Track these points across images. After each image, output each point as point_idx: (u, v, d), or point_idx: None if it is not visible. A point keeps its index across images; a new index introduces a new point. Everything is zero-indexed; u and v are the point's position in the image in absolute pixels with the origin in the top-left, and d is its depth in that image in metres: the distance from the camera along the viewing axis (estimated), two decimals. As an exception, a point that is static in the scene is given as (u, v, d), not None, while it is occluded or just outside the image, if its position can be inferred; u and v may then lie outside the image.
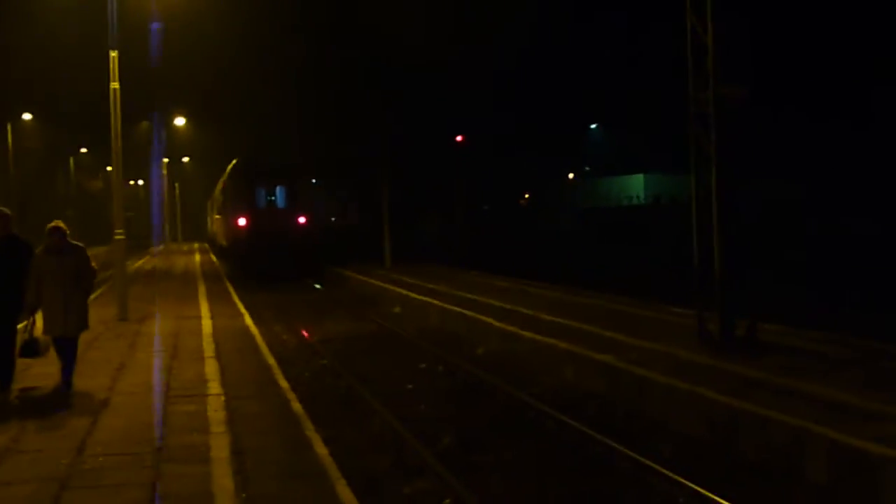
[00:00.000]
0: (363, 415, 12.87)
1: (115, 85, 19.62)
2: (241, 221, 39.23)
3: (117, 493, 7.44)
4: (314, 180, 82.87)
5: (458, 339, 19.59)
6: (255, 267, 37.30)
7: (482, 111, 66.20)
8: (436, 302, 23.38)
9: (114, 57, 19.50)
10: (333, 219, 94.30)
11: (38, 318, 11.73)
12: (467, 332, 19.74)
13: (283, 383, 12.37)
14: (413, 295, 25.90)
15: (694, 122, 13.65)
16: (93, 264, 11.86)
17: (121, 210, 20.28)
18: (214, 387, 11.96)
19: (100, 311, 22.43)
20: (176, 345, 16.09)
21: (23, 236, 12.07)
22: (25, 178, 67.27)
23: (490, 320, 18.98)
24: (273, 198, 39.94)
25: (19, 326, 11.73)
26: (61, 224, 11.82)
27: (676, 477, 9.23)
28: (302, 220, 39.45)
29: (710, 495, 8.70)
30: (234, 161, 42.88)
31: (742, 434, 10.10)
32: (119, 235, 20.00)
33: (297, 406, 10.83)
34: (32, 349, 11.71)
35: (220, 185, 48.57)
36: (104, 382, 12.43)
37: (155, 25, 24.58)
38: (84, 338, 17.28)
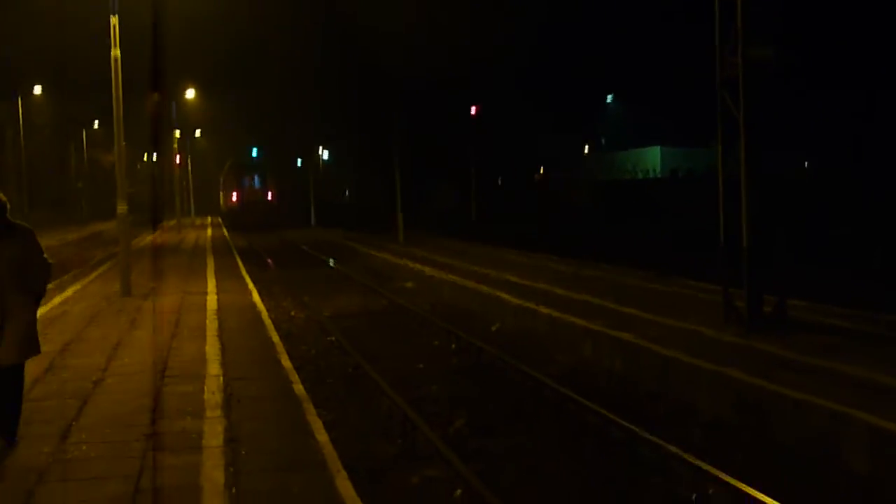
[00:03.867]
0: (370, 396, 12.24)
1: (116, 52, 18.94)
2: (234, 196, 69.40)
3: (97, 487, 6.83)
4: (327, 154, 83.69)
5: (472, 315, 18.96)
6: (242, 221, 62.74)
7: (497, 82, 65.43)
8: (449, 277, 22.76)
9: (114, 23, 18.82)
10: (347, 193, 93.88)
11: None
12: (481, 308, 19.11)
13: (287, 363, 11.75)
14: (426, 270, 25.29)
15: (721, 88, 12.90)
16: (46, 256, 8.06)
17: (124, 183, 19.65)
18: (214, 367, 11.34)
19: (103, 286, 22.01)
20: (178, 321, 15.51)
21: None
22: (37, 153, 66.85)
23: (505, 296, 18.35)
24: (252, 183, 69.29)
25: None
26: None
27: (703, 464, 8.54)
28: (268, 195, 69.13)
29: (740, 485, 8.01)
30: (229, 161, 73.09)
31: (774, 418, 9.43)
32: (122, 208, 19.39)
33: (299, 388, 10.20)
34: None
35: (222, 174, 75.69)
36: (99, 362, 11.83)
37: None
38: (83, 314, 16.97)
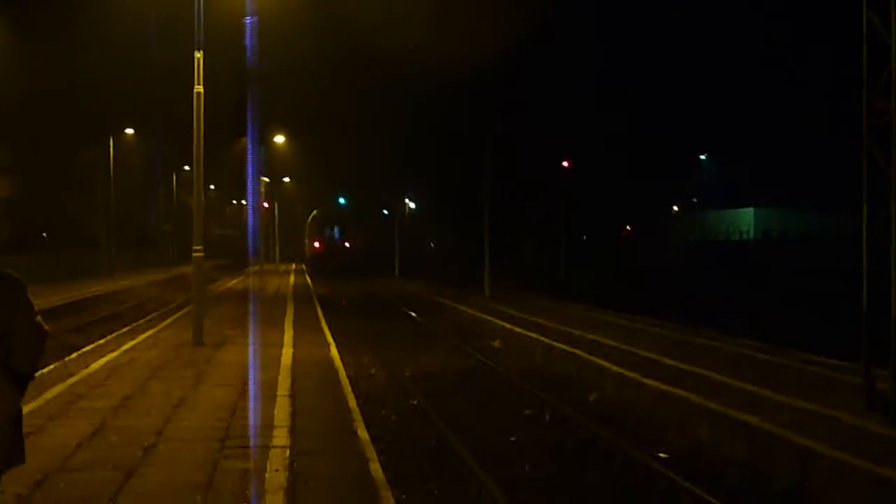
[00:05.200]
0: (456, 475, 10.73)
1: (199, 88, 18.01)
2: (316, 244, 70.81)
3: None
4: (413, 204, 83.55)
5: (567, 381, 17.38)
6: (324, 268, 63.85)
7: (588, 136, 64.04)
8: (540, 337, 21.24)
9: (198, 58, 17.91)
10: (433, 244, 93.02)
11: None
12: (576, 375, 17.53)
13: (363, 433, 10.34)
14: (515, 328, 23.80)
15: (869, 138, 11.29)
16: (39, 320, 5.38)
17: (200, 225, 18.60)
18: (281, 436, 9.99)
19: (176, 333, 21.01)
20: (248, 377, 14.23)
21: None
22: (127, 194, 67.03)
23: (602, 362, 16.79)
24: (333, 233, 70.69)
25: None
26: None
27: None
28: (347, 244, 70.35)
29: None
30: (314, 211, 74.50)
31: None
32: (197, 252, 18.33)
33: (375, 467, 8.78)
34: None
35: (307, 223, 77.31)
36: (155, 423, 10.58)
37: (249, 20, 22.71)
38: (150, 363, 15.84)
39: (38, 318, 5.39)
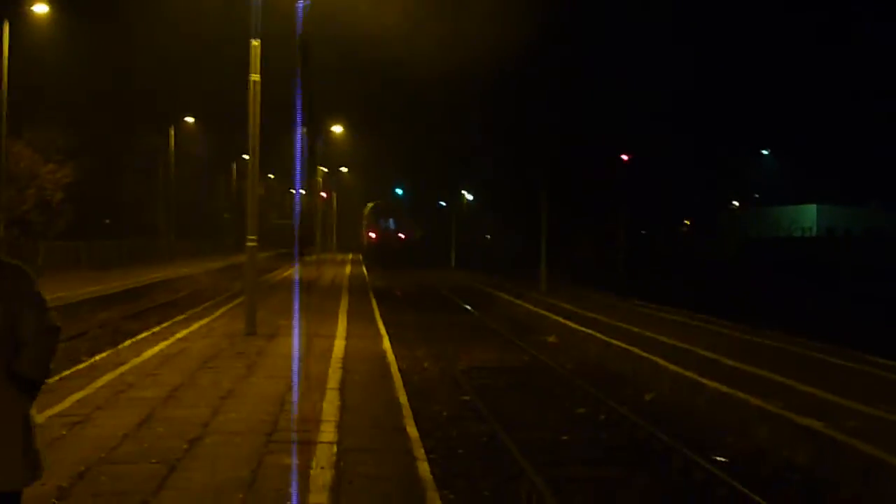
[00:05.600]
0: (506, 475, 10.45)
1: (255, 77, 17.91)
2: (372, 235, 73.20)
3: None
4: (471, 196, 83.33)
5: (622, 380, 17.03)
6: (379, 258, 65.25)
7: (647, 130, 63.30)
8: (596, 333, 20.89)
9: (255, 46, 17.80)
10: (489, 236, 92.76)
11: None
12: (633, 373, 17.18)
13: (413, 431, 10.13)
14: (570, 324, 23.46)
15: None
16: (52, 314, 4.67)
17: (255, 214, 18.52)
18: (328, 431, 9.80)
19: (230, 322, 20.99)
20: (299, 370, 14.09)
21: None
22: (187, 182, 67.60)
23: (660, 361, 16.41)
24: (388, 224, 72.60)
25: None
26: None
27: None
28: (402, 235, 72.28)
29: None
30: (370, 204, 78.42)
31: None
32: (251, 242, 18.26)
33: (424, 467, 8.56)
34: None
35: (364, 214, 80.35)
36: (202, 414, 10.45)
37: (301, 4, 22.94)
38: (202, 353, 15.77)
39: (52, 313, 4.67)
